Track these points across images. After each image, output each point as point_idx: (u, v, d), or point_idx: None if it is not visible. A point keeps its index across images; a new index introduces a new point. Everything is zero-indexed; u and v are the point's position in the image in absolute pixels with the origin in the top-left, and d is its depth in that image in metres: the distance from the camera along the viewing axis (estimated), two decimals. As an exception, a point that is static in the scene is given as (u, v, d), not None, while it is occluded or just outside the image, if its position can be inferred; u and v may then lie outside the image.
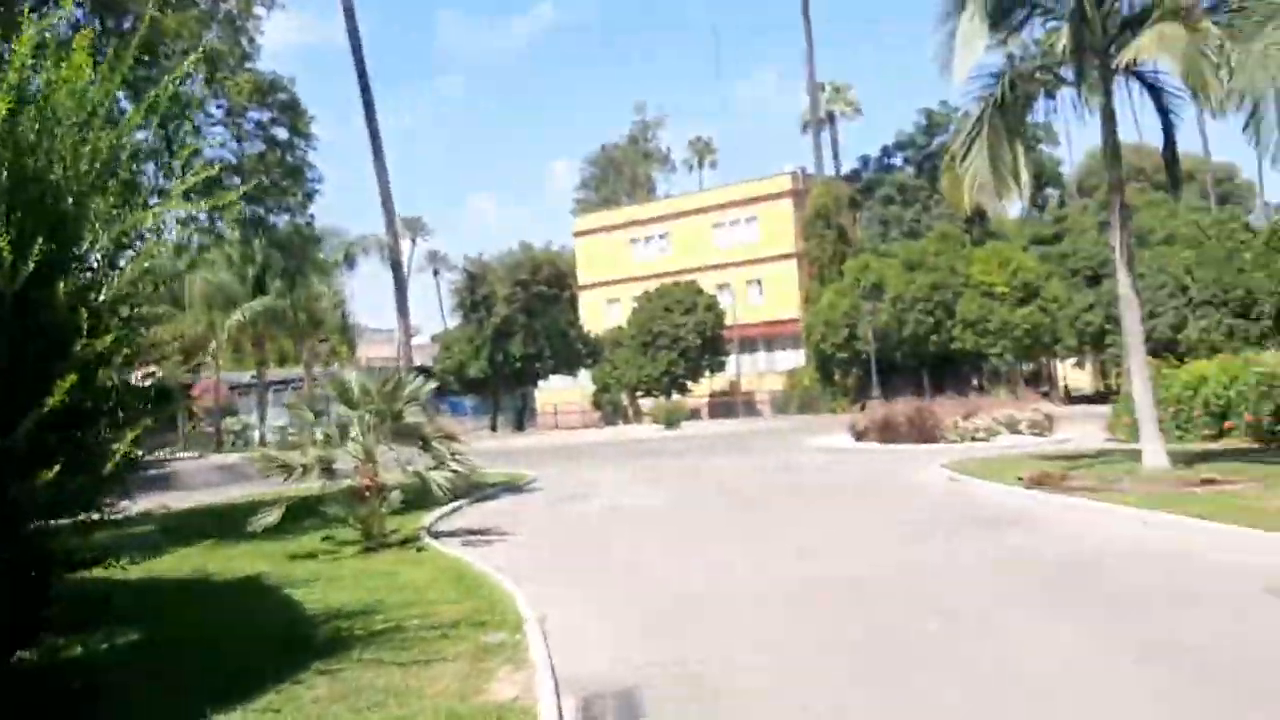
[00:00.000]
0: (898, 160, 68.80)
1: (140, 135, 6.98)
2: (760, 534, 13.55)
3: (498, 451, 35.71)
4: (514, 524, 15.83)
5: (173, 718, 6.44)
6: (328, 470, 13.54)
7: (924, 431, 26.79)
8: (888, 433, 27.10)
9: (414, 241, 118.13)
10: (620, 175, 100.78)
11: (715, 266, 63.24)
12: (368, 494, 13.66)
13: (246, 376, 76.48)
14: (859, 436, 28.24)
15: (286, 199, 18.40)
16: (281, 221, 18.53)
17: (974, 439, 26.69)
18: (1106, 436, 26.22)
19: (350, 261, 51.54)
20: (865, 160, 69.75)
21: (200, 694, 6.58)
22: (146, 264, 6.86)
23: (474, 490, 19.53)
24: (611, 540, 13.71)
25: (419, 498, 14.44)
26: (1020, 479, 16.33)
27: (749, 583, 10.32)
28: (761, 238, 63.38)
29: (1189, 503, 13.05)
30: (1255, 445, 21.88)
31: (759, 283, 63.35)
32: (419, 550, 13.17)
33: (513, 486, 20.96)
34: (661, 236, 68.18)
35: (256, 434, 57.03)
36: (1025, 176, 17.14)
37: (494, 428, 59.79)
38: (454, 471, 13.58)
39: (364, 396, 13.91)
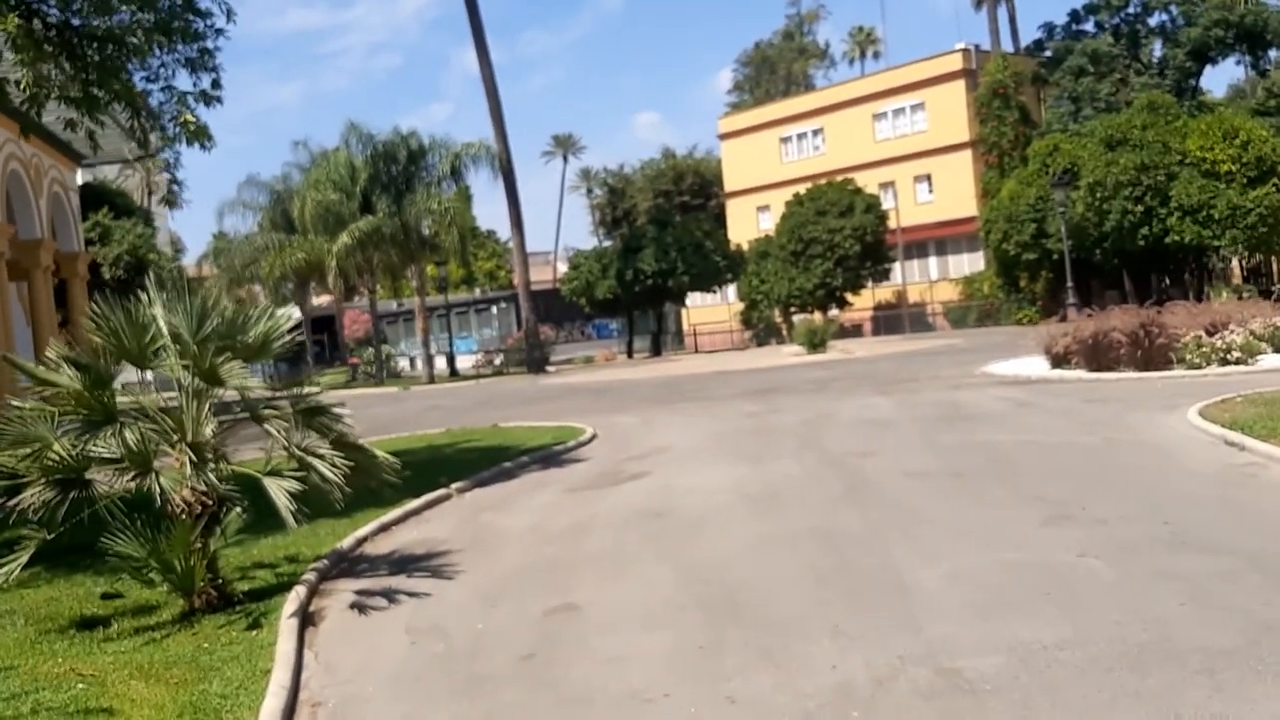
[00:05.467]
0: (1089, 26, 57.95)
1: None
2: (880, 611, 6.82)
3: (601, 387, 29.61)
4: (484, 540, 9.64)
5: None
6: (73, 483, 7.59)
7: (1152, 352, 19.24)
8: (1101, 355, 19.64)
9: (566, 159, 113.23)
10: (775, 75, 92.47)
11: (877, 163, 55.08)
12: (184, 515, 7.75)
13: (394, 306, 73.72)
14: (1058, 361, 20.81)
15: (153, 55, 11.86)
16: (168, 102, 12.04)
17: (1225, 361, 19.04)
18: None
19: (457, 174, 46.02)
20: (1049, 29, 58.86)
21: None
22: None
23: (488, 464, 13.62)
24: (599, 605, 7.36)
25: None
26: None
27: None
28: (930, 127, 54.77)
29: None
30: None
31: (928, 178, 54.92)
32: (250, 627, 7.23)
33: (549, 454, 14.62)
34: (815, 133, 60.14)
35: (406, 362, 53.34)
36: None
37: (630, 353, 53.86)
38: (310, 473, 7.40)
39: (174, 343, 7.89)
